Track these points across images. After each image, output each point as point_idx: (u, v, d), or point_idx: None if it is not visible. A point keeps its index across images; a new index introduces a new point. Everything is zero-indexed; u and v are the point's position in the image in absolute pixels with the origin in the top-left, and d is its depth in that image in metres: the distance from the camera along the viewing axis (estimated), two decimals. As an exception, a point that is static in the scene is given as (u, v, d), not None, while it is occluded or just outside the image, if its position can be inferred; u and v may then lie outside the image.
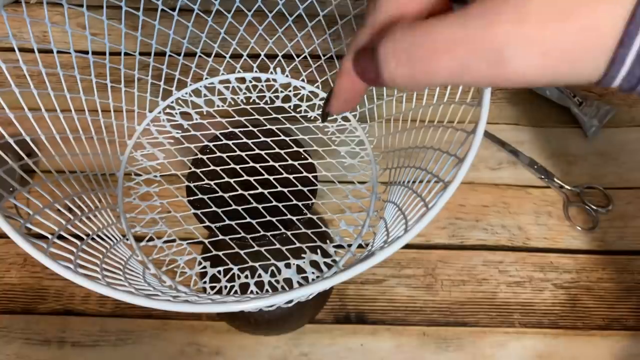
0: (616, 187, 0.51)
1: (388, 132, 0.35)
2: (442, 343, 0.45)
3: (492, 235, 0.49)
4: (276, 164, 0.31)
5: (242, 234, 0.29)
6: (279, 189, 0.30)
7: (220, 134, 0.33)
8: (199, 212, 0.30)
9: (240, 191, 0.30)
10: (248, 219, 0.29)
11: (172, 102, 0.37)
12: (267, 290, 0.31)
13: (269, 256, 0.30)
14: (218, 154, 0.32)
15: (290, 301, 0.30)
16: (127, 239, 0.30)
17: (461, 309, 0.46)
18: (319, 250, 0.31)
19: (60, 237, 0.23)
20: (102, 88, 0.33)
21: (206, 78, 0.39)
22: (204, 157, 0.32)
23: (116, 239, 0.29)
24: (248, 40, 0.39)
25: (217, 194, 0.30)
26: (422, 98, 0.33)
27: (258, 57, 0.40)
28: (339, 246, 0.31)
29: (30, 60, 0.27)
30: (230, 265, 0.30)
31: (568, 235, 0.49)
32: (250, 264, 0.30)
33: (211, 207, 0.29)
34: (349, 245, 0.31)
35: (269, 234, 0.29)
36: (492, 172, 0.52)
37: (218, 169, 0.31)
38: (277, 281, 0.31)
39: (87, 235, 0.26)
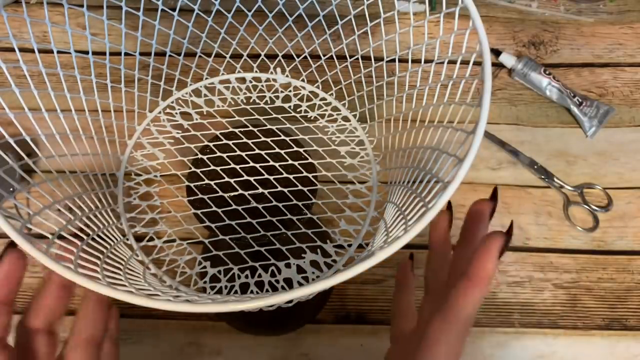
0: (616, 187, 0.51)
1: (388, 132, 0.35)
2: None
3: (492, 235, 0.49)
4: (276, 164, 0.31)
5: (242, 234, 0.29)
6: (279, 189, 0.30)
7: (221, 134, 0.33)
8: (199, 212, 0.30)
9: (240, 191, 0.30)
10: (248, 219, 0.29)
11: (172, 102, 0.37)
12: (267, 290, 0.31)
13: (269, 256, 0.30)
14: (218, 154, 0.32)
15: (290, 301, 0.30)
16: (127, 239, 0.30)
17: (461, 309, 0.46)
18: (319, 250, 0.31)
19: (61, 237, 0.23)
20: (102, 88, 0.33)
21: (206, 78, 0.39)
22: (204, 157, 0.32)
23: (116, 239, 0.29)
24: (248, 40, 0.39)
25: (217, 194, 0.30)
26: (422, 98, 0.33)
27: (258, 57, 0.40)
28: (339, 246, 0.31)
29: (30, 60, 0.27)
30: (230, 265, 0.30)
31: (568, 235, 0.49)
32: (250, 264, 0.31)
33: (211, 207, 0.29)
34: (349, 245, 0.31)
35: (269, 234, 0.29)
36: (492, 172, 0.52)
37: (218, 169, 0.31)
38: (277, 281, 0.31)
39: (88, 235, 0.26)
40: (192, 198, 0.30)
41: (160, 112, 0.37)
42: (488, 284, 0.24)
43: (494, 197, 0.28)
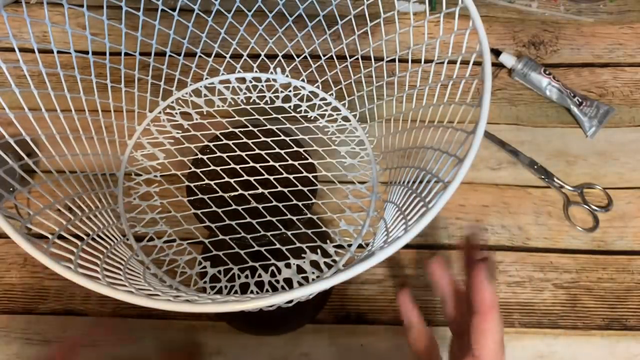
0: (616, 187, 0.51)
1: (388, 132, 0.35)
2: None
3: (492, 235, 0.49)
4: (276, 164, 0.31)
5: (242, 234, 0.29)
6: (279, 189, 0.30)
7: (221, 134, 0.33)
8: (199, 212, 0.30)
9: (240, 191, 0.30)
10: (248, 219, 0.29)
11: (173, 102, 0.37)
12: (267, 290, 0.31)
13: (269, 256, 0.30)
14: (218, 154, 0.32)
15: (290, 301, 0.30)
16: (128, 239, 0.30)
17: (461, 309, 0.46)
18: (319, 250, 0.31)
19: (61, 237, 0.23)
20: (102, 88, 0.33)
21: (206, 78, 0.39)
22: (204, 157, 0.32)
23: (116, 239, 0.29)
24: (248, 40, 0.39)
25: (217, 194, 0.30)
26: (422, 98, 0.33)
27: (258, 57, 0.40)
28: (339, 246, 0.31)
29: (30, 60, 0.27)
30: (230, 265, 0.30)
31: (568, 235, 0.49)
32: (250, 264, 0.30)
33: (211, 207, 0.29)
34: (349, 245, 0.31)
35: (269, 234, 0.29)
36: (492, 172, 0.52)
37: (218, 169, 0.31)
38: (277, 281, 0.31)
39: (88, 235, 0.26)
40: (192, 198, 0.30)
41: (160, 112, 0.37)
42: (497, 309, 0.27)
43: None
